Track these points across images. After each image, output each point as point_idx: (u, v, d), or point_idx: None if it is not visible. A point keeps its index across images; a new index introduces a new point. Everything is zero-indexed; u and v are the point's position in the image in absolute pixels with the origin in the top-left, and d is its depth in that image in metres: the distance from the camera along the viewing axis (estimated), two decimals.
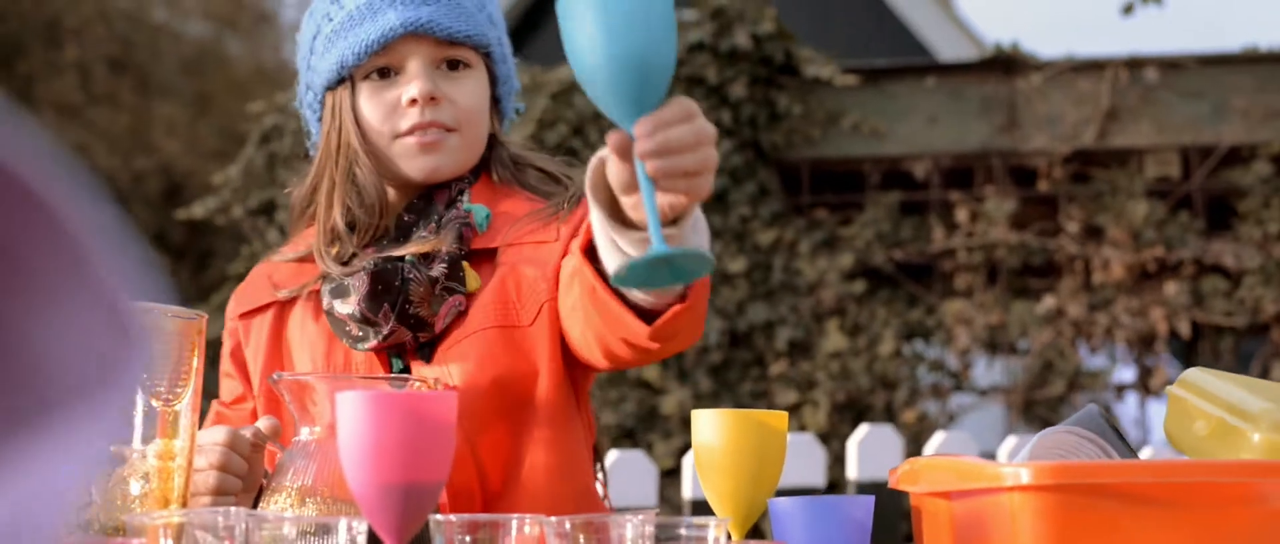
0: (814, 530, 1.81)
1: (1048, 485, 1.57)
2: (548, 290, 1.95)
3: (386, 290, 1.96)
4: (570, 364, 1.99)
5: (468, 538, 1.60)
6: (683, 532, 1.61)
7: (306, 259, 2.08)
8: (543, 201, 2.04)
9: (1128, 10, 6.88)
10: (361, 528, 1.53)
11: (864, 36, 13.94)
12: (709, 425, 1.82)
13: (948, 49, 13.40)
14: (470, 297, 1.98)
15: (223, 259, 16.83)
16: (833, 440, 6.31)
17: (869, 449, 4.31)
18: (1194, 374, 1.91)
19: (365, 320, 1.96)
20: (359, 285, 1.96)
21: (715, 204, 6.58)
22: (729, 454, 1.82)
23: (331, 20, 2.04)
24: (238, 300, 2.12)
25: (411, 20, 1.99)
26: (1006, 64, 6.76)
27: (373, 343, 1.96)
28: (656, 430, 6.29)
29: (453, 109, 2.02)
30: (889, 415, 6.41)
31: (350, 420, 1.49)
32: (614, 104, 1.46)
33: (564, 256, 1.95)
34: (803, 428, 6.29)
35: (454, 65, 2.04)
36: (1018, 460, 1.76)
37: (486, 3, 2.08)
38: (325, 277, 2.01)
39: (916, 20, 13.71)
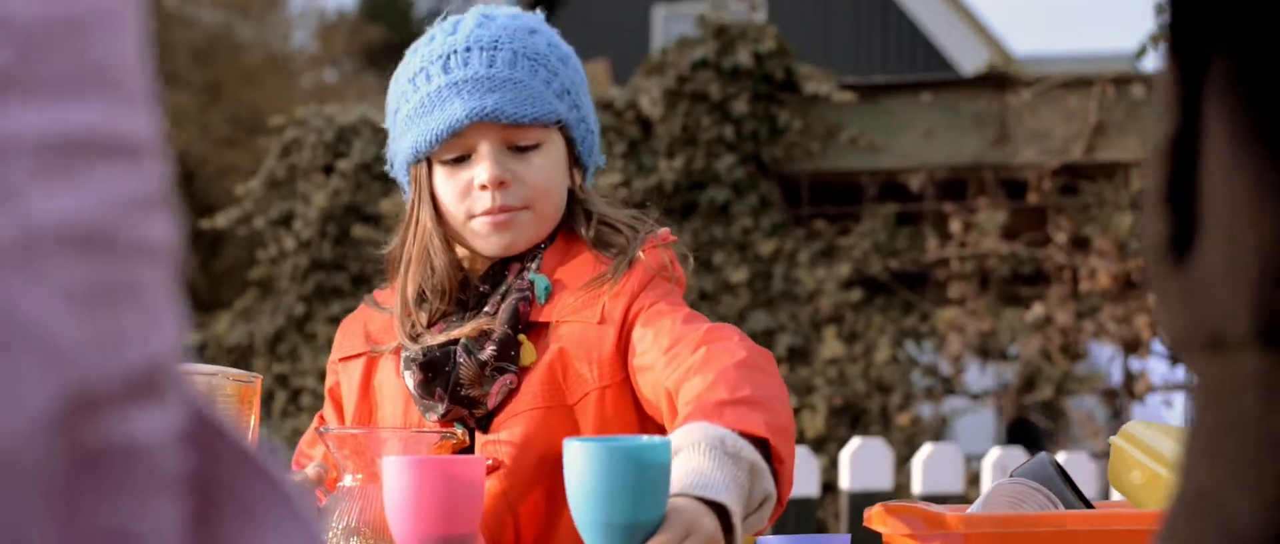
0: None
1: (989, 534, 1.82)
2: (596, 379, 2.02)
3: (437, 376, 2.05)
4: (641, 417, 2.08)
5: None
6: None
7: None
8: (609, 261, 2.09)
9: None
10: None
11: (872, 37, 14.14)
12: None
13: (957, 49, 13.60)
14: (525, 371, 2.05)
15: (233, 246, 17.07)
16: (830, 443, 6.54)
17: (861, 460, 4.54)
18: (1134, 427, 2.14)
19: (424, 399, 2.08)
20: (415, 372, 2.08)
21: (718, 215, 6.81)
22: None
23: (408, 101, 2.10)
24: (338, 343, 2.23)
25: (477, 110, 2.04)
26: (998, 80, 6.98)
27: (434, 418, 2.06)
28: None
29: (522, 189, 2.07)
30: (884, 419, 6.64)
31: (393, 480, 1.73)
32: None
33: (618, 340, 2.03)
34: (801, 433, 6.52)
35: (525, 144, 2.08)
36: (975, 508, 2.00)
37: (558, 72, 2.12)
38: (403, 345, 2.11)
39: (926, 21, 13.91)
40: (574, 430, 2.03)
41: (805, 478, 4.43)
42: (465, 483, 1.72)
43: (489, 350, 2.05)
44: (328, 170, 7.09)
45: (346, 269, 7.01)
